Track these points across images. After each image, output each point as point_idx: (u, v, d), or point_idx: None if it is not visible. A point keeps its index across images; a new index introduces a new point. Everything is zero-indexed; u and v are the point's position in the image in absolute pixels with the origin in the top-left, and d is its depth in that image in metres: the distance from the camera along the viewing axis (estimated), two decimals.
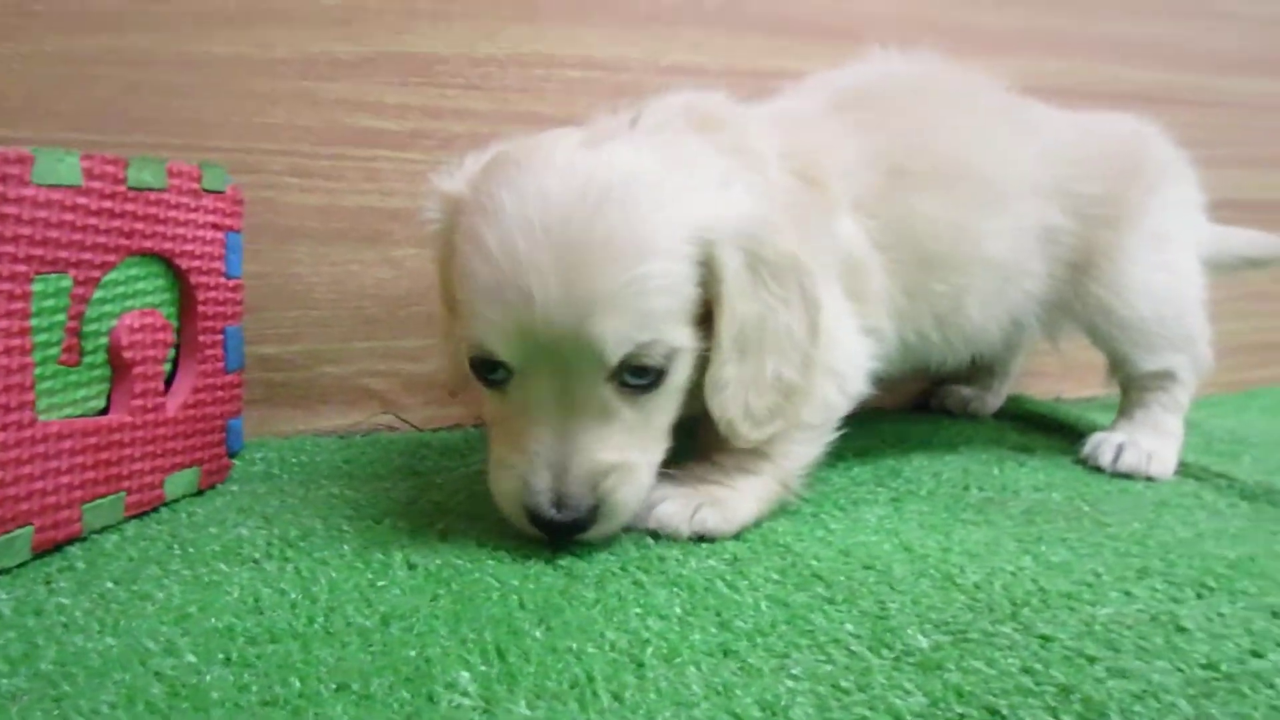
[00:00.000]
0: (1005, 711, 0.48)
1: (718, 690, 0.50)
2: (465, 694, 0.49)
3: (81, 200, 0.67)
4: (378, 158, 1.04)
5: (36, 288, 0.64)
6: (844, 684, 0.50)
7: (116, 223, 0.70)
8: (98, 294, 0.70)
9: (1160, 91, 1.37)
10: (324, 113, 1.02)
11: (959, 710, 0.48)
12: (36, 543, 0.65)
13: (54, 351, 0.67)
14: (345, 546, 0.70)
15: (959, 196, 0.89)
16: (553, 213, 0.64)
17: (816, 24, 1.19)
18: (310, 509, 0.78)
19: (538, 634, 0.56)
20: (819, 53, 1.14)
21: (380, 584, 0.63)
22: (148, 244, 0.74)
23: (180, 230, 0.77)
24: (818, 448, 0.81)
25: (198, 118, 0.97)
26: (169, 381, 0.79)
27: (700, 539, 0.72)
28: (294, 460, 0.94)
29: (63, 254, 0.66)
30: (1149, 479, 0.94)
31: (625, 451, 0.68)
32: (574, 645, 0.54)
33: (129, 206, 0.71)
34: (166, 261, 0.77)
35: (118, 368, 0.73)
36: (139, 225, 0.72)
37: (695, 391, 0.72)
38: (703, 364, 0.71)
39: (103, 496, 0.71)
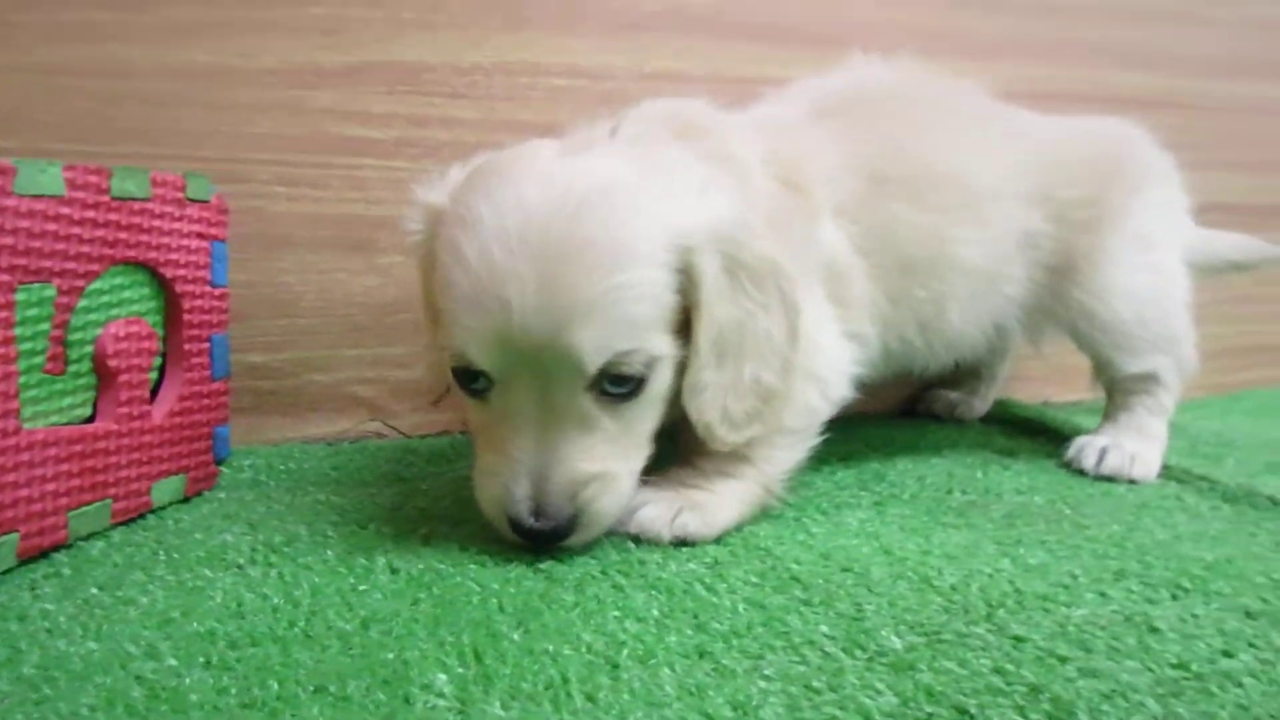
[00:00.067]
0: (974, 711, 0.48)
1: (691, 691, 0.50)
2: (441, 695, 0.49)
3: (64, 210, 0.67)
4: (364, 166, 1.05)
5: (20, 297, 0.65)
6: (816, 684, 0.51)
7: (100, 232, 0.71)
8: (82, 303, 0.71)
9: (1147, 95, 1.37)
10: (310, 122, 1.02)
11: (928, 709, 0.48)
12: (22, 549, 0.66)
13: (39, 360, 0.68)
14: (329, 552, 0.70)
15: (939, 203, 0.90)
16: (530, 223, 0.65)
17: (801, 30, 1.19)
18: (296, 515, 0.79)
19: (515, 636, 0.57)
20: (804, 59, 1.14)
21: (362, 588, 0.64)
22: (132, 253, 0.74)
23: (165, 240, 0.77)
24: (800, 452, 0.81)
25: (184, 128, 0.98)
26: (155, 390, 0.80)
27: (681, 543, 0.73)
28: (281, 467, 0.94)
29: (46, 264, 0.66)
30: (1132, 482, 0.95)
31: (606, 460, 0.69)
32: (551, 647, 0.55)
33: (112, 216, 0.72)
34: (151, 271, 0.77)
35: (103, 376, 0.73)
36: (123, 235, 0.73)
37: (677, 399, 0.72)
38: (684, 371, 0.71)
39: (89, 504, 0.71)
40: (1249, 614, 0.60)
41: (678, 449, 0.80)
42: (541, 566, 0.68)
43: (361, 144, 1.04)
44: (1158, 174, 1.05)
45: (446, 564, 0.68)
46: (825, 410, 0.82)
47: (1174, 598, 0.63)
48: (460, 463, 0.94)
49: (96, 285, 0.72)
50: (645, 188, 0.69)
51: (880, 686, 0.51)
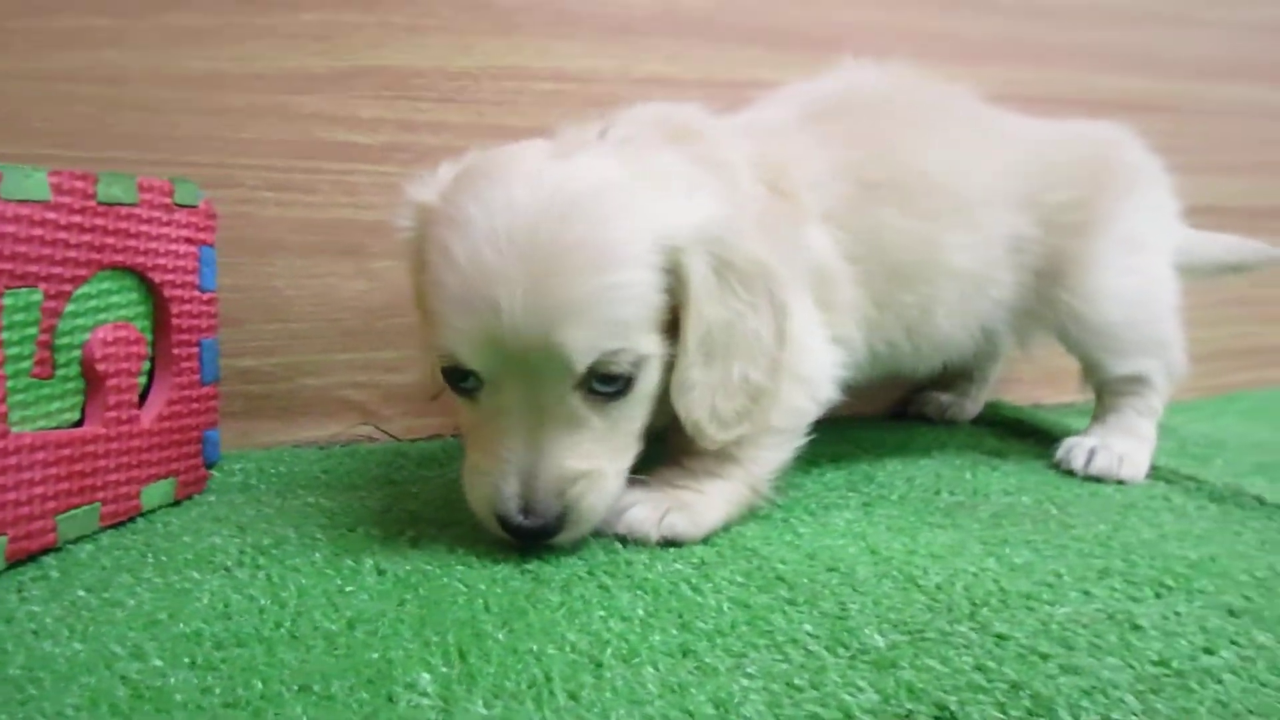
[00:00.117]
0: (955, 707, 0.48)
1: (673, 689, 0.50)
2: (424, 694, 0.50)
3: (50, 215, 0.68)
4: (354, 171, 1.05)
5: (7, 301, 0.65)
6: (798, 682, 0.51)
7: (87, 237, 0.71)
8: (70, 308, 0.71)
9: (1139, 99, 1.38)
10: (300, 127, 1.03)
11: (909, 706, 0.49)
12: (10, 552, 0.66)
13: (26, 365, 0.68)
14: (317, 554, 0.71)
15: (926, 209, 0.90)
16: (519, 223, 0.65)
17: (794, 34, 1.20)
18: (285, 518, 0.79)
19: (500, 636, 0.57)
20: (796, 62, 1.15)
21: (348, 589, 0.64)
22: (119, 258, 0.75)
23: (152, 244, 0.78)
24: (787, 453, 0.82)
25: (174, 133, 0.98)
26: (145, 394, 0.80)
27: (669, 543, 0.73)
28: (272, 471, 0.95)
29: (32, 268, 0.67)
30: (1120, 482, 0.95)
31: (593, 459, 0.69)
32: (535, 647, 0.55)
33: (99, 221, 0.72)
34: (139, 275, 0.78)
35: (91, 380, 0.73)
36: (110, 240, 0.73)
37: (666, 399, 0.73)
38: (672, 371, 0.72)
39: (77, 507, 0.72)
40: (1231, 611, 0.61)
41: (666, 449, 0.80)
42: (528, 567, 0.68)
43: (351, 149, 1.05)
44: (1146, 177, 1.05)
45: (434, 565, 0.68)
46: (812, 411, 0.82)
47: (1157, 596, 0.64)
48: (451, 466, 0.95)
49: (84, 290, 0.72)
50: (634, 189, 0.69)
51: (862, 684, 0.51)
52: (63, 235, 0.69)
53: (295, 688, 0.50)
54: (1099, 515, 0.82)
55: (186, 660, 0.53)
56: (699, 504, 0.75)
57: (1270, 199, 1.51)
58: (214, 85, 1.00)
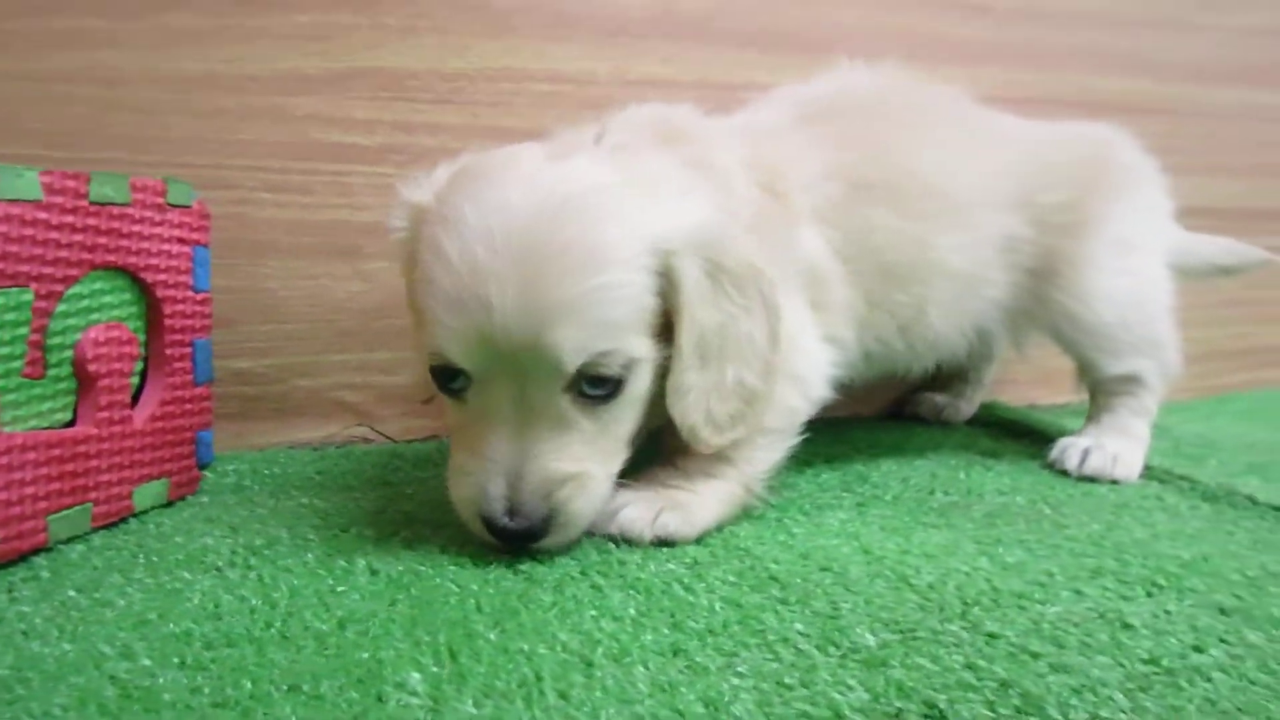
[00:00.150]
0: (944, 705, 0.48)
1: (663, 688, 0.50)
2: (414, 693, 0.50)
3: (42, 215, 0.68)
4: (349, 172, 1.05)
5: None
6: (788, 680, 0.51)
7: (79, 237, 0.71)
8: (61, 308, 0.71)
9: (1135, 101, 1.38)
10: (295, 128, 1.03)
11: (898, 705, 0.49)
12: (1, 552, 0.66)
13: (17, 365, 0.68)
14: (309, 554, 0.70)
15: (919, 210, 0.91)
16: (513, 224, 0.65)
17: (789, 36, 1.20)
18: (278, 519, 0.79)
19: (491, 636, 0.57)
20: (792, 65, 1.15)
21: (340, 590, 0.64)
22: (111, 258, 0.75)
23: (145, 245, 0.78)
24: (780, 452, 0.82)
25: (169, 134, 0.98)
26: (138, 394, 0.80)
27: (662, 543, 0.73)
28: (266, 472, 0.95)
29: (23, 268, 0.67)
30: (1114, 482, 0.95)
31: (582, 461, 0.69)
32: (526, 646, 0.55)
33: (91, 221, 0.72)
34: (132, 275, 0.78)
35: (83, 380, 0.73)
36: (102, 240, 0.73)
37: (658, 403, 0.73)
38: (664, 375, 0.72)
39: (69, 507, 0.72)
40: (1222, 610, 0.61)
41: (660, 450, 0.80)
42: (521, 568, 0.68)
43: (347, 150, 1.05)
44: (1140, 178, 1.06)
45: (426, 566, 0.68)
46: (805, 410, 0.82)
47: (1149, 595, 0.64)
48: (445, 467, 0.94)
49: (76, 290, 0.72)
50: (627, 192, 0.69)
51: (852, 683, 0.51)
52: (54, 235, 0.69)
53: (285, 687, 0.50)
54: (1092, 515, 0.82)
55: (176, 660, 0.53)
56: (692, 504, 0.75)
57: (1267, 201, 1.51)
58: (209, 86, 1.00)
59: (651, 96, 0.91)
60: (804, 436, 0.84)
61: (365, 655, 0.54)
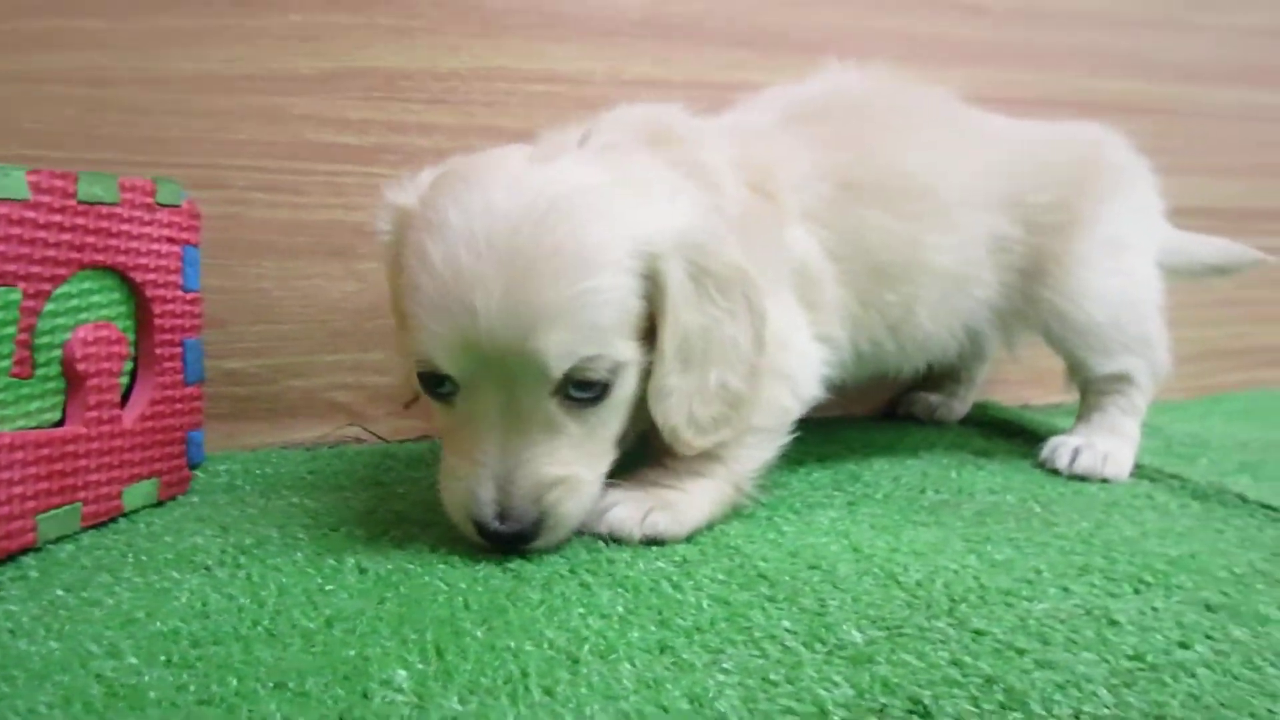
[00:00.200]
0: (928, 701, 0.48)
1: (648, 684, 0.50)
2: (399, 690, 0.50)
3: (29, 214, 0.68)
4: (342, 173, 1.05)
5: None
6: (773, 677, 0.51)
7: (67, 236, 0.71)
8: (49, 307, 0.71)
9: (1129, 101, 1.38)
10: (288, 128, 1.03)
11: (883, 701, 0.49)
12: None
13: (5, 364, 0.68)
14: (299, 553, 0.71)
15: (908, 210, 0.91)
16: (497, 228, 0.65)
17: (782, 37, 1.20)
18: (268, 518, 0.79)
19: (479, 633, 0.57)
20: (784, 66, 1.15)
21: (329, 588, 0.64)
22: (100, 257, 0.75)
23: (134, 244, 0.78)
24: (770, 451, 0.82)
25: (162, 135, 0.99)
26: (127, 394, 0.80)
27: (652, 542, 0.73)
28: (258, 472, 0.95)
29: (11, 267, 0.67)
30: (1104, 480, 0.95)
31: (570, 465, 0.69)
32: (513, 644, 0.55)
33: (80, 220, 0.72)
34: (121, 275, 0.78)
35: (72, 380, 0.73)
36: (90, 239, 0.73)
37: (646, 404, 0.73)
38: (650, 377, 0.72)
39: (58, 507, 0.72)
40: (1209, 607, 0.61)
41: (650, 450, 0.80)
42: (510, 566, 0.68)
43: (340, 150, 1.05)
44: (1131, 177, 1.06)
45: (416, 564, 0.68)
46: (795, 409, 0.82)
47: (1136, 592, 0.64)
48: (437, 467, 0.94)
49: (64, 289, 0.72)
50: (612, 195, 0.69)
51: (837, 679, 0.51)
52: (42, 234, 0.69)
53: (270, 685, 0.50)
54: (1082, 513, 0.83)
55: (162, 658, 0.53)
56: (682, 503, 0.75)
57: (1263, 201, 1.51)
58: (202, 87, 1.00)
59: (645, 96, 0.91)
60: (795, 435, 0.84)
61: (352, 653, 0.54)
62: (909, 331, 0.94)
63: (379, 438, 1.10)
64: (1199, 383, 1.48)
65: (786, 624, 0.58)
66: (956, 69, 1.25)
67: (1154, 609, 0.60)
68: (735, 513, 0.80)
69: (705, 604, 0.61)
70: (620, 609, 0.60)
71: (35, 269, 0.69)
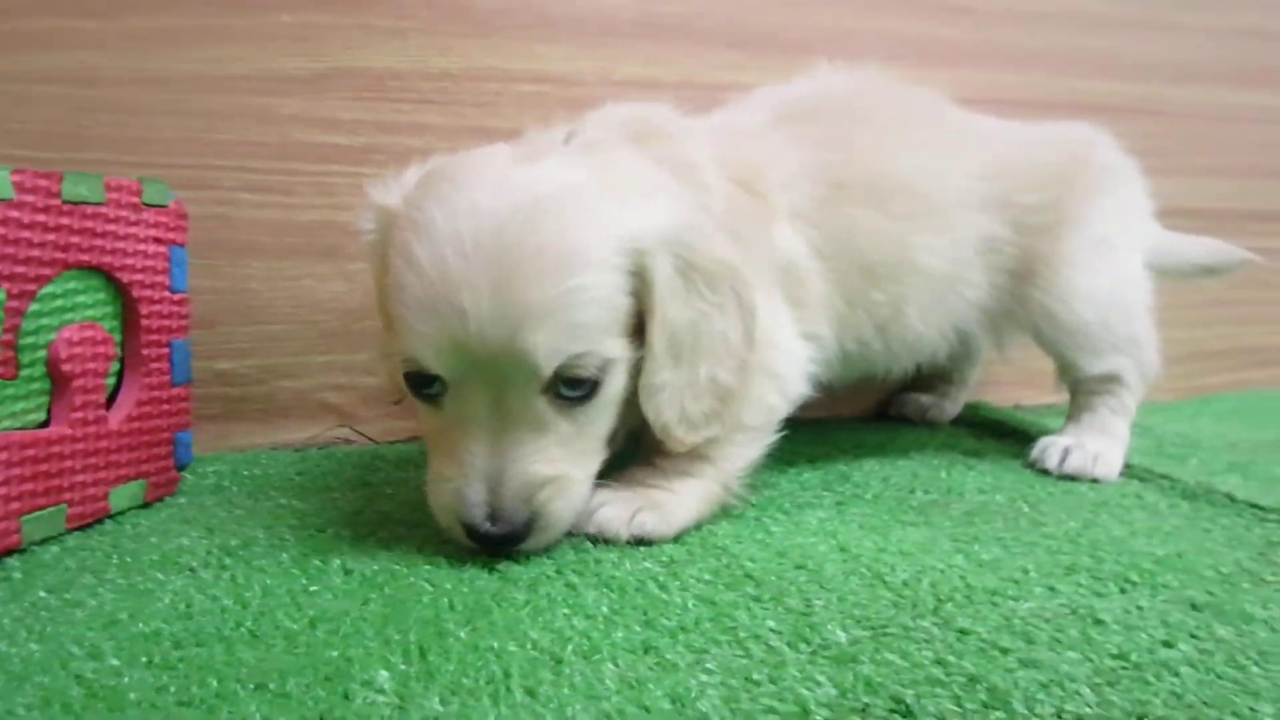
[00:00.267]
0: (911, 700, 0.48)
1: (631, 684, 0.50)
2: (381, 691, 0.50)
3: (13, 214, 0.67)
4: (332, 173, 1.05)
5: None
6: (756, 676, 0.51)
7: (51, 236, 0.71)
8: (34, 307, 0.71)
9: (1117, 101, 1.39)
10: (278, 129, 1.03)
11: (866, 700, 0.49)
12: None
13: None
14: (284, 554, 0.70)
15: (896, 210, 0.91)
16: (483, 227, 0.65)
17: (773, 38, 1.20)
18: (255, 519, 0.79)
19: (462, 634, 0.57)
20: (775, 66, 1.15)
21: (313, 589, 0.64)
22: (85, 257, 0.74)
23: (120, 244, 0.77)
24: (758, 449, 0.82)
25: (150, 135, 0.98)
26: (114, 395, 0.80)
27: (640, 542, 0.73)
28: (246, 473, 0.94)
29: None
30: (1094, 480, 0.95)
31: (560, 464, 0.69)
32: (496, 644, 0.55)
33: (64, 220, 0.72)
34: (106, 275, 0.77)
35: (57, 380, 0.73)
36: (75, 239, 0.73)
37: (635, 402, 0.73)
38: (640, 374, 0.72)
39: (42, 508, 0.71)
40: (1194, 606, 0.61)
41: (639, 450, 0.80)
42: (497, 567, 0.68)
43: (329, 151, 1.05)
44: (1119, 177, 1.06)
45: (401, 565, 0.68)
46: (783, 408, 0.82)
47: (1121, 591, 0.64)
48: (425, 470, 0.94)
49: (49, 289, 0.72)
50: (599, 193, 0.69)
51: (820, 678, 0.51)
52: (26, 234, 0.69)
53: (251, 685, 0.50)
54: (1070, 513, 0.83)
55: (144, 659, 0.53)
56: (670, 503, 0.75)
57: (1255, 202, 1.51)
58: (191, 87, 1.00)
59: (636, 97, 0.91)
60: (783, 435, 0.84)
61: (335, 653, 0.54)
62: (897, 332, 0.94)
63: (368, 439, 1.10)
64: (1189, 383, 1.48)
65: (771, 624, 0.58)
66: (945, 70, 1.25)
67: (1139, 608, 0.60)
68: (724, 513, 0.80)
69: (690, 604, 0.61)
70: (605, 609, 0.60)
71: (19, 269, 0.69)
